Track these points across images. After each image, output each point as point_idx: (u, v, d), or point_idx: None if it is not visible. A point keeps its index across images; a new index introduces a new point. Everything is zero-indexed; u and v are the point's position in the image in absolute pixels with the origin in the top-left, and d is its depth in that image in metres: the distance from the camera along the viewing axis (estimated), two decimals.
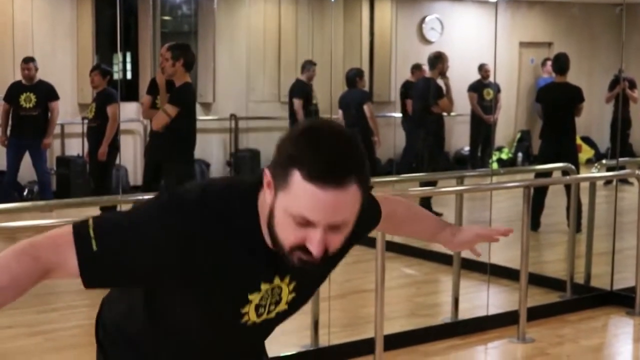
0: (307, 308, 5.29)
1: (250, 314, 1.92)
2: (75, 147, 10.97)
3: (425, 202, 9.59)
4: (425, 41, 13.02)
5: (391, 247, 8.07)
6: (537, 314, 6.16)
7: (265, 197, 1.78)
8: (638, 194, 6.52)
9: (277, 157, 1.75)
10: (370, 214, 2.14)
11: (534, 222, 9.01)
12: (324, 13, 11.84)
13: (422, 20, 13.18)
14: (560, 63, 9.01)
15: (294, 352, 5.20)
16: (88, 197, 8.06)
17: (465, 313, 6.12)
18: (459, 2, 13.77)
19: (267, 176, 1.76)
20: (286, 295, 1.95)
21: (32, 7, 10.78)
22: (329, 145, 1.71)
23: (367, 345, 5.15)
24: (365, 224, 2.07)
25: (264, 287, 1.89)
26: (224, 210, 1.83)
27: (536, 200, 8.99)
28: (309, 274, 1.94)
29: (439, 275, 7.63)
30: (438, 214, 9.24)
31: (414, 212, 2.49)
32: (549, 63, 10.58)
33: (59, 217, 6.30)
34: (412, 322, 6.11)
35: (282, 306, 1.97)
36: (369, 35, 12.80)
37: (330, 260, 1.89)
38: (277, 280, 1.91)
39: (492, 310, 6.18)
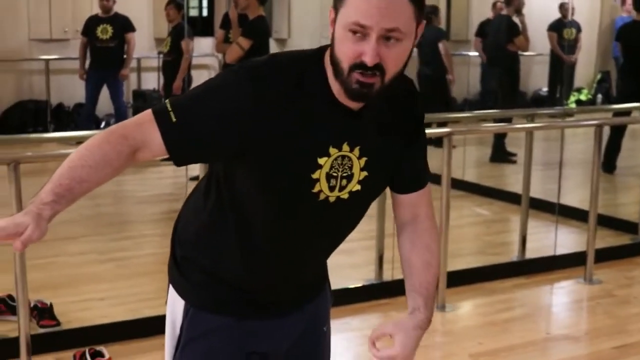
0: (371, 244, 5.41)
1: (322, 184, 1.94)
2: (151, 81, 11.13)
3: (499, 142, 9.55)
4: None
5: (462, 186, 8.12)
6: (606, 255, 6.12)
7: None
8: None
9: None
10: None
11: (610, 165, 8.90)
12: None
13: None
14: None
15: (358, 285, 5.28)
16: None
17: (532, 252, 6.11)
18: None
19: (331, 13, 1.85)
20: (357, 170, 1.97)
21: None
22: None
23: None
24: (419, 116, 2.14)
25: (333, 152, 1.92)
26: (294, 68, 1.91)
27: (612, 142, 8.89)
28: (380, 148, 1.99)
29: (509, 215, 7.58)
30: (512, 154, 9.24)
31: (429, 242, 2.19)
32: (629, 1, 10.33)
33: None
34: (480, 259, 6.12)
35: (355, 184, 1.98)
36: None
37: (396, 131, 2.03)
38: (345, 148, 1.93)
39: (560, 251, 6.16)
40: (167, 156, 1.90)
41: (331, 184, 1.96)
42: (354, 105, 1.91)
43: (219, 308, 2.12)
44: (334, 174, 1.95)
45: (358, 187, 2.00)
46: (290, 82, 1.89)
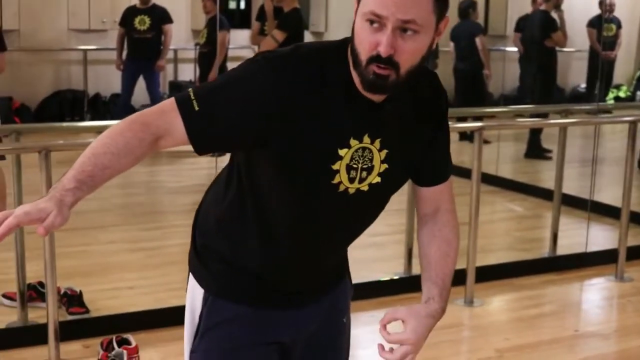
0: (401, 238, 5.41)
1: (342, 175, 1.94)
2: (188, 73, 11.19)
3: (535, 138, 9.51)
4: None
5: (496, 181, 8.10)
6: (638, 253, 6.08)
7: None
8: None
9: None
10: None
11: None
12: None
13: None
14: None
15: (387, 278, 5.29)
16: None
17: (563, 249, 6.09)
18: None
19: (355, 3, 1.86)
20: (378, 163, 1.98)
21: None
22: None
23: (459, 276, 5.15)
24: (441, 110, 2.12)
25: (354, 143, 1.92)
26: (317, 60, 1.92)
27: None
28: (401, 142, 1.99)
29: (541, 211, 7.51)
30: (547, 151, 9.18)
31: (450, 235, 2.18)
32: None
33: None
34: (510, 255, 6.10)
35: (375, 177, 1.98)
36: None
37: (416, 123, 2.02)
38: (366, 140, 1.93)
39: (592, 248, 6.13)
40: (188, 144, 1.90)
41: (351, 176, 1.95)
42: (376, 97, 1.90)
43: (237, 297, 2.13)
44: (354, 166, 1.95)
45: (378, 179, 2.00)
46: (313, 73, 1.89)
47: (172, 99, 1.90)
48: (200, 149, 1.92)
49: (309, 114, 1.88)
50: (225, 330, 2.13)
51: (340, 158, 1.92)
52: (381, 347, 2.05)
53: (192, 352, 2.18)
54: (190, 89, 1.91)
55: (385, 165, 1.99)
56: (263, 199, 2.02)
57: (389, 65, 1.81)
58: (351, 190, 1.98)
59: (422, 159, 2.10)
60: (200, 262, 2.17)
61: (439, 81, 2.12)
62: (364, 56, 1.82)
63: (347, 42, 1.91)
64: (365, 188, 1.99)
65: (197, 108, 1.86)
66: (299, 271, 2.15)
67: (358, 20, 1.83)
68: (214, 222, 2.16)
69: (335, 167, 1.93)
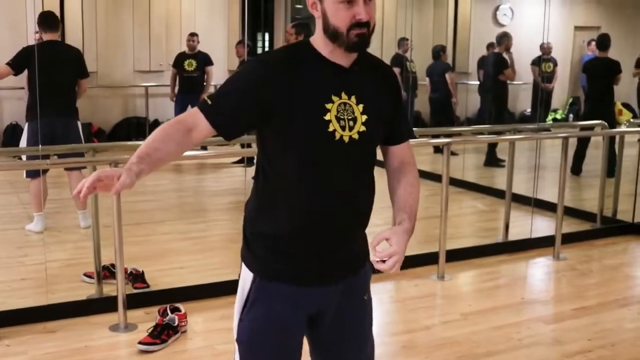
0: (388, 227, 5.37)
1: (334, 124, 1.98)
2: None
3: (492, 150, 9.47)
4: (499, 25, 12.59)
5: (462, 184, 8.07)
6: (571, 238, 6.06)
7: (315, 19, 2.00)
8: None
9: None
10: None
11: (577, 168, 8.79)
12: (421, 1, 11.64)
13: (497, 8, 12.77)
14: (603, 41, 8.69)
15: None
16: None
17: (513, 235, 6.05)
18: None
19: (314, 3, 1.99)
20: (359, 114, 2.02)
21: None
22: None
23: (433, 257, 5.18)
24: (395, 86, 2.19)
25: (335, 99, 1.99)
26: (290, 48, 2.14)
27: (579, 151, 8.78)
28: (371, 98, 2.04)
29: (497, 206, 7.46)
30: (501, 160, 9.14)
31: (412, 180, 2.18)
32: (593, 43, 10.17)
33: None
34: (473, 241, 6.06)
35: (360, 125, 2.02)
36: (453, 19, 12.49)
37: (380, 88, 2.09)
38: (344, 96, 2.00)
39: (535, 235, 6.09)
40: (213, 134, 1.98)
41: (341, 125, 1.99)
42: (345, 62, 2.00)
43: (277, 278, 2.08)
44: (342, 117, 1.98)
45: (363, 128, 2.02)
46: (290, 54, 2.03)
47: (195, 107, 2.01)
48: (220, 130, 1.98)
49: (297, 84, 1.95)
50: (267, 303, 2.08)
51: (328, 110, 1.97)
52: (376, 261, 1.99)
53: (240, 320, 2.12)
54: (206, 96, 2.02)
55: (365, 117, 2.02)
56: (285, 183, 2.00)
57: (365, 26, 1.94)
58: (345, 138, 1.99)
59: (390, 123, 2.13)
60: (249, 251, 2.12)
61: (390, 66, 2.26)
62: (344, 27, 1.93)
63: (308, 38, 2.03)
64: (356, 136, 2.01)
65: (210, 103, 1.98)
66: (327, 243, 2.07)
67: (331, 6, 1.93)
68: (256, 214, 2.11)
69: (327, 117, 1.97)
